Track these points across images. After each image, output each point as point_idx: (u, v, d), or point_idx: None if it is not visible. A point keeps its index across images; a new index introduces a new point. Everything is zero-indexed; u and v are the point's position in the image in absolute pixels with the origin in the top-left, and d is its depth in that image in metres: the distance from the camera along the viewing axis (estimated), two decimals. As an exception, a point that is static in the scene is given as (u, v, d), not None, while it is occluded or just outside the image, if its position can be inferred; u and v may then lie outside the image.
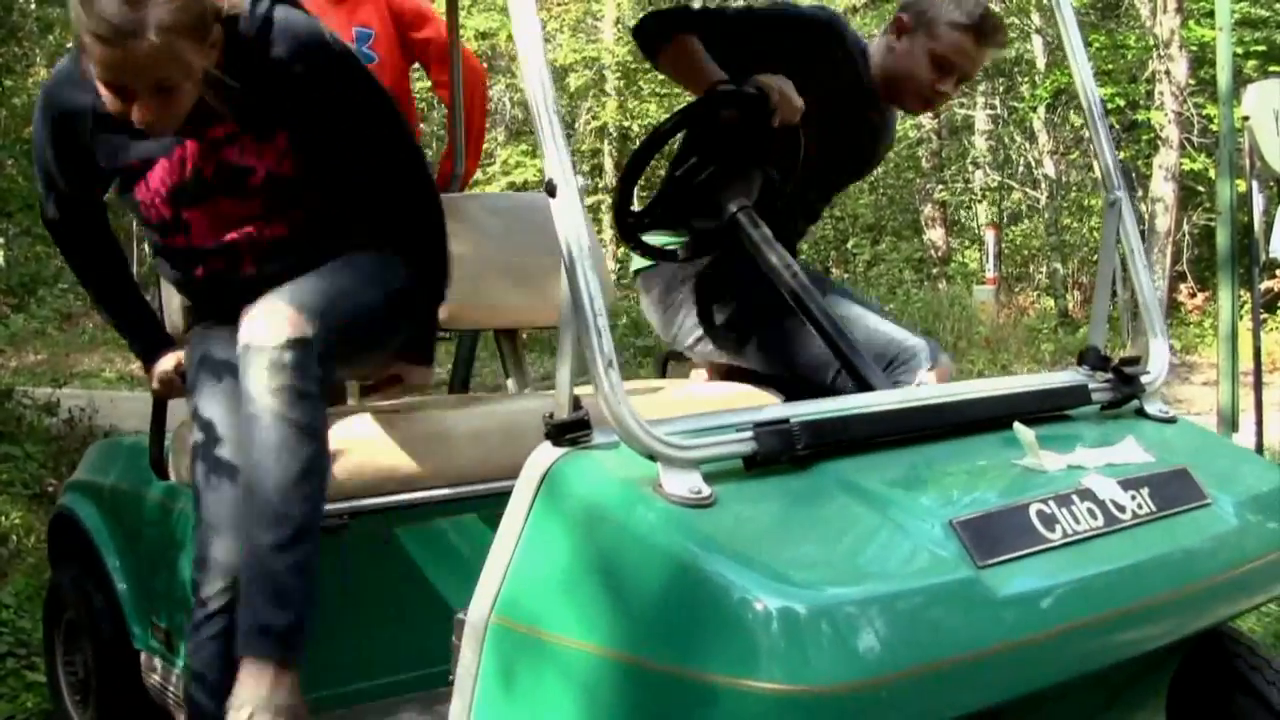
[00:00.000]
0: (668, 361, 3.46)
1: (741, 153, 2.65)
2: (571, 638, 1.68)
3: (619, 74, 17.24)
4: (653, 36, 2.80)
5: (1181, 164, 13.39)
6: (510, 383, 3.59)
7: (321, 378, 2.06)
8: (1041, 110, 15.20)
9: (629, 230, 2.79)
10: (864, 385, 2.34)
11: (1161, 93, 13.42)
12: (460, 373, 4.51)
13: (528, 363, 3.59)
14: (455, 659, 1.83)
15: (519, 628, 1.75)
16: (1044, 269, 17.10)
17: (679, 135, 2.78)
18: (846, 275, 17.43)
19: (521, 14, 1.79)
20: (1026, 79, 15.71)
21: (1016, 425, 2.01)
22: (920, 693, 1.57)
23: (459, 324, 3.50)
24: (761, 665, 1.50)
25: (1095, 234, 16.55)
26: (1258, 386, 5.99)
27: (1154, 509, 1.95)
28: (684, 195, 2.68)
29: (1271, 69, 11.90)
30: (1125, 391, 2.30)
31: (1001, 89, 16.67)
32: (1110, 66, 13.34)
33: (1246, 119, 5.62)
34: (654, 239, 2.92)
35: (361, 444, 2.45)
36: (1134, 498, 1.93)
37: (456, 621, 1.83)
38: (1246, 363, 6.51)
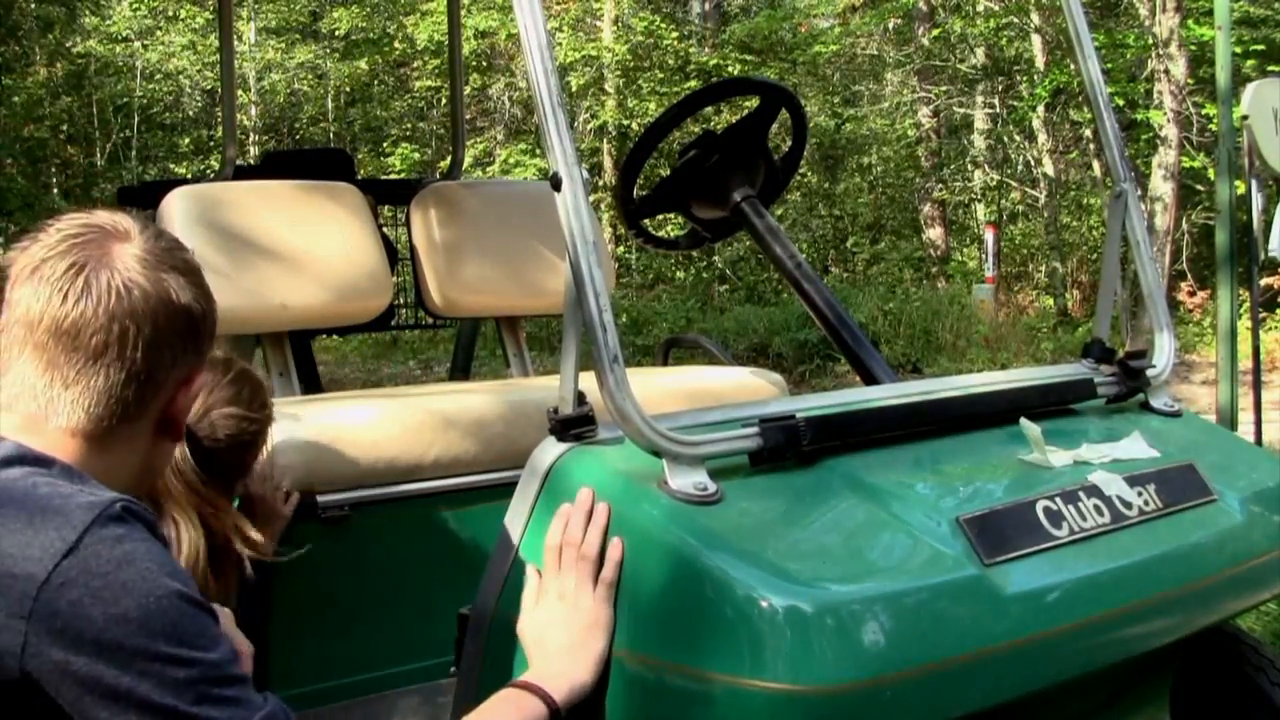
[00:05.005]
0: (670, 348, 3.47)
1: (746, 142, 2.64)
2: (575, 634, 1.67)
3: (618, 73, 17.23)
4: None
5: (1180, 163, 13.37)
6: (512, 371, 3.59)
7: None
8: (1040, 109, 15.17)
9: (631, 216, 2.79)
10: (869, 378, 2.34)
11: (1160, 92, 13.39)
12: (460, 359, 4.52)
13: (528, 353, 3.59)
14: (459, 653, 1.82)
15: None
16: (1043, 268, 17.07)
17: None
18: (846, 274, 17.42)
19: (526, 9, 1.77)
20: (1025, 78, 15.69)
21: (1023, 421, 2.00)
22: (926, 692, 1.57)
23: (457, 311, 3.50)
24: (766, 664, 1.50)
25: (1094, 233, 16.53)
26: (1256, 385, 5.98)
27: (1160, 505, 1.94)
28: (688, 182, 2.67)
29: (1270, 68, 11.88)
30: (1131, 385, 2.29)
31: (1000, 88, 16.65)
32: (1109, 65, 13.32)
33: (1245, 118, 5.61)
34: None
35: (362, 433, 2.43)
36: (1140, 494, 1.93)
37: (460, 616, 1.82)
38: (1246, 362, 6.50)
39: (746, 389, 2.84)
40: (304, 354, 4.37)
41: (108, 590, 1.20)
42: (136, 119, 19.53)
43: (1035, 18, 15.06)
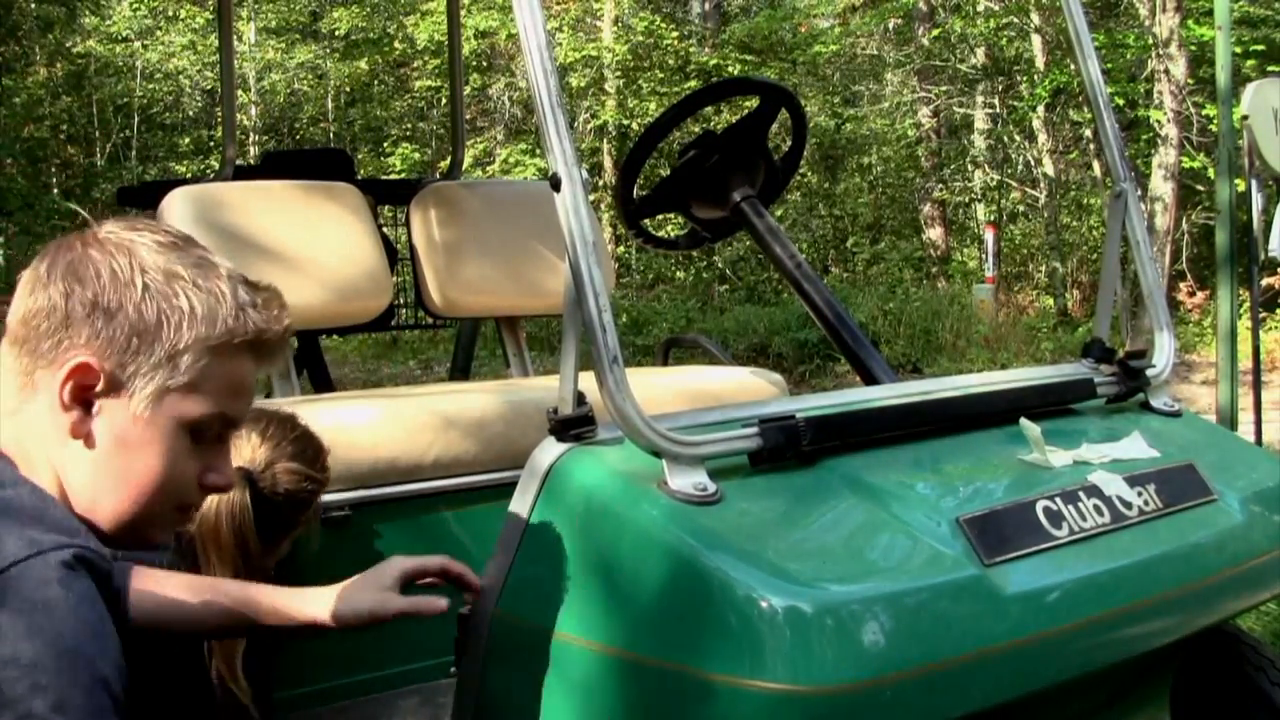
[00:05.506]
0: (670, 348, 3.47)
1: (746, 142, 2.64)
2: (574, 634, 1.67)
3: (618, 73, 17.24)
4: None
5: (1181, 163, 13.38)
6: (512, 371, 3.59)
7: None
8: (1040, 109, 15.18)
9: (631, 216, 2.79)
10: (869, 378, 2.34)
11: (1160, 91, 13.40)
12: (460, 359, 4.52)
13: (528, 353, 3.59)
14: (459, 653, 1.82)
15: (522, 623, 1.74)
16: (1043, 268, 17.08)
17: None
18: (846, 274, 17.43)
19: (526, 10, 1.77)
20: (1025, 78, 15.69)
21: (1023, 421, 2.00)
22: (925, 692, 1.57)
23: (457, 311, 3.50)
24: (766, 664, 1.50)
25: (1094, 233, 16.52)
26: (1256, 385, 5.98)
27: (1160, 505, 1.94)
28: (688, 182, 2.67)
29: (1270, 68, 11.87)
30: (1131, 385, 2.29)
31: (1000, 88, 16.65)
32: (1109, 65, 13.33)
33: (1245, 118, 5.61)
34: None
35: (362, 433, 2.44)
36: (1140, 494, 1.93)
37: (460, 616, 1.82)
38: (1246, 362, 6.50)
39: (746, 389, 2.84)
40: (313, 353, 4.37)
41: (13, 629, 1.11)
42: (136, 119, 19.55)
43: (1035, 18, 15.06)
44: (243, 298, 1.37)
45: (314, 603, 1.68)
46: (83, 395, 1.29)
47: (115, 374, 1.29)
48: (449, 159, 4.03)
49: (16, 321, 1.31)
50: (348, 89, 20.31)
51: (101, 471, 1.31)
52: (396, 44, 18.86)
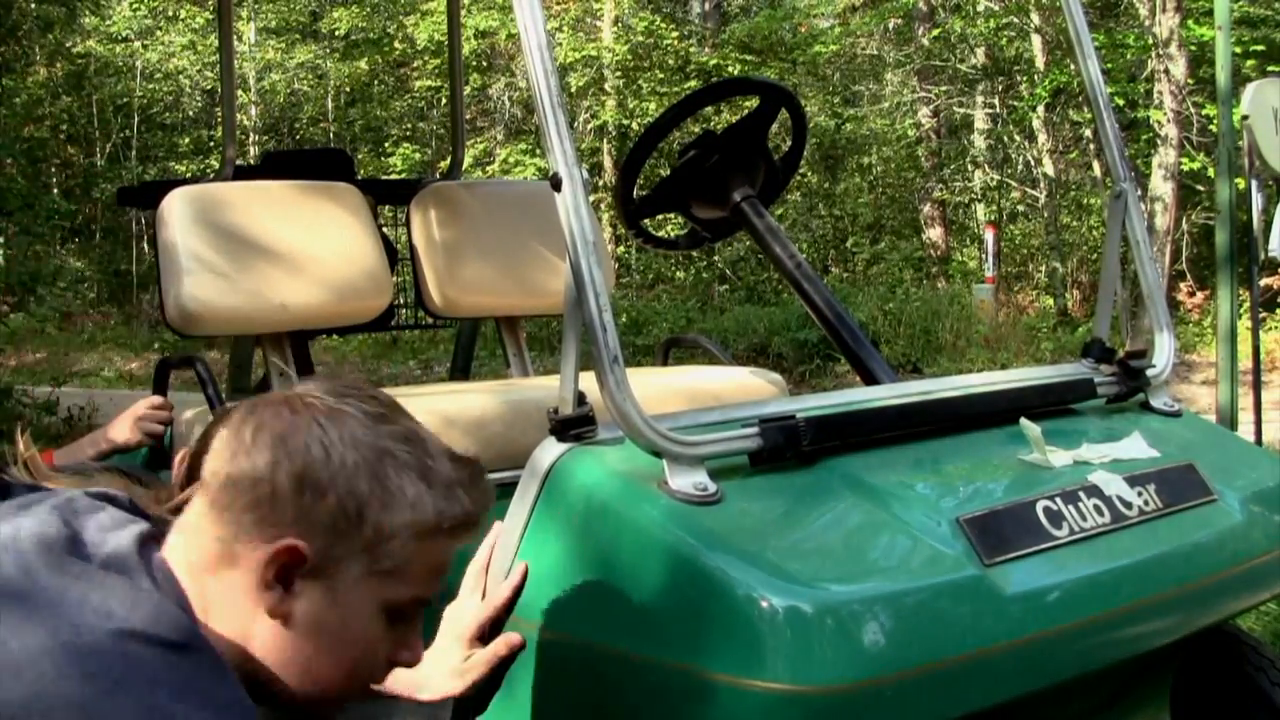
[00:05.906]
0: (670, 348, 3.47)
1: (746, 142, 2.64)
2: (574, 634, 1.67)
3: (618, 73, 17.24)
4: None
5: (1180, 163, 13.39)
6: (512, 371, 3.58)
7: None
8: (1040, 109, 15.19)
9: (631, 216, 2.79)
10: (869, 378, 2.34)
11: (1160, 92, 13.41)
12: (460, 359, 4.51)
13: (528, 353, 3.59)
14: (459, 655, 1.82)
15: (523, 624, 1.74)
16: (1043, 268, 17.09)
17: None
18: (846, 274, 17.44)
19: (526, 10, 1.78)
20: (1025, 78, 15.69)
21: (1023, 421, 2.00)
22: (926, 692, 1.57)
23: (457, 311, 3.50)
24: (766, 664, 1.50)
25: (1094, 233, 16.53)
26: (1256, 386, 5.99)
27: (1161, 505, 1.94)
28: (688, 182, 2.67)
29: (1270, 68, 11.87)
30: (1131, 385, 2.29)
31: (1000, 88, 16.65)
32: (1109, 65, 13.33)
33: (1245, 118, 5.61)
34: None
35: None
36: (1140, 494, 1.93)
37: (460, 618, 1.82)
38: (1246, 362, 6.51)
39: (746, 389, 2.83)
40: (302, 357, 4.37)
41: None
42: (136, 119, 19.57)
43: (1035, 18, 15.06)
44: (450, 475, 1.32)
45: (427, 686, 1.63)
46: (286, 575, 1.25)
47: (321, 554, 1.25)
48: (449, 159, 4.03)
49: (217, 485, 1.26)
50: (348, 89, 20.33)
51: (294, 650, 1.27)
52: (396, 44, 18.87)
